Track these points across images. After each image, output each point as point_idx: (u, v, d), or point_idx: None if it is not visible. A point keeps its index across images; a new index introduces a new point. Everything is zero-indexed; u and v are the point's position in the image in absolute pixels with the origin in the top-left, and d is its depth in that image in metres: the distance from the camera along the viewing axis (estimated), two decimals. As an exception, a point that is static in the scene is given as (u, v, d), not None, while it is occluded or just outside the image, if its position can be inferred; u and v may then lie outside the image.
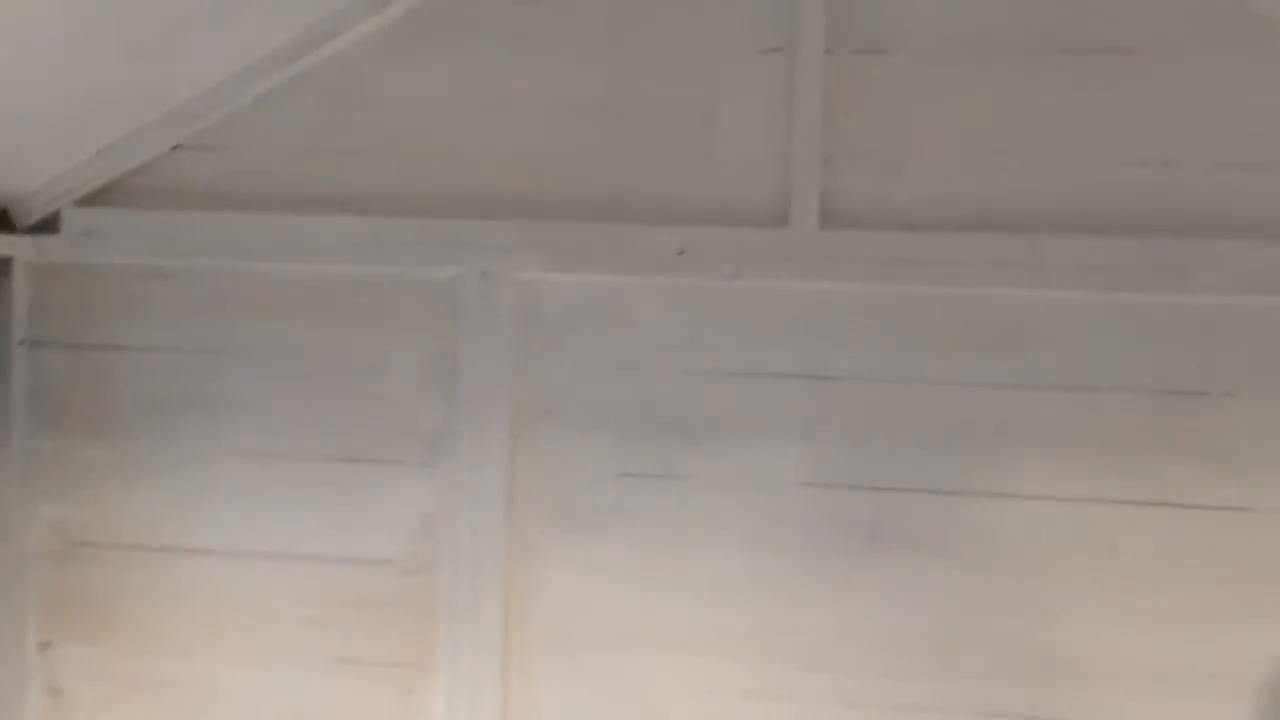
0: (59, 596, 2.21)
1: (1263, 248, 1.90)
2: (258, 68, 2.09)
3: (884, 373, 2.02)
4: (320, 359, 2.14)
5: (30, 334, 2.18)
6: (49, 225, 2.15)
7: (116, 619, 2.20)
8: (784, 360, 2.04)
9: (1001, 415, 2.00)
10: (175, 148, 2.13)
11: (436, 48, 2.11)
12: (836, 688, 2.04)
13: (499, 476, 2.10)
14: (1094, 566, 1.98)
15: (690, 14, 2.05)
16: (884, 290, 2.00)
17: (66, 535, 2.20)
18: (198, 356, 2.17)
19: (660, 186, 2.05)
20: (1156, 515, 1.97)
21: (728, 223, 2.03)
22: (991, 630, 2.00)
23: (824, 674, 2.05)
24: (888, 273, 1.98)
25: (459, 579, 2.11)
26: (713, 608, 2.08)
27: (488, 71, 2.09)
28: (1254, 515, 1.95)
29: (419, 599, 2.14)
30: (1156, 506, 1.96)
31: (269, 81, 2.09)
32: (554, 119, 2.07)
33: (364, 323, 2.13)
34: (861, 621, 2.04)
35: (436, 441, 2.12)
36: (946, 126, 1.99)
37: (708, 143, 2.04)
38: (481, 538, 2.10)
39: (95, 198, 2.15)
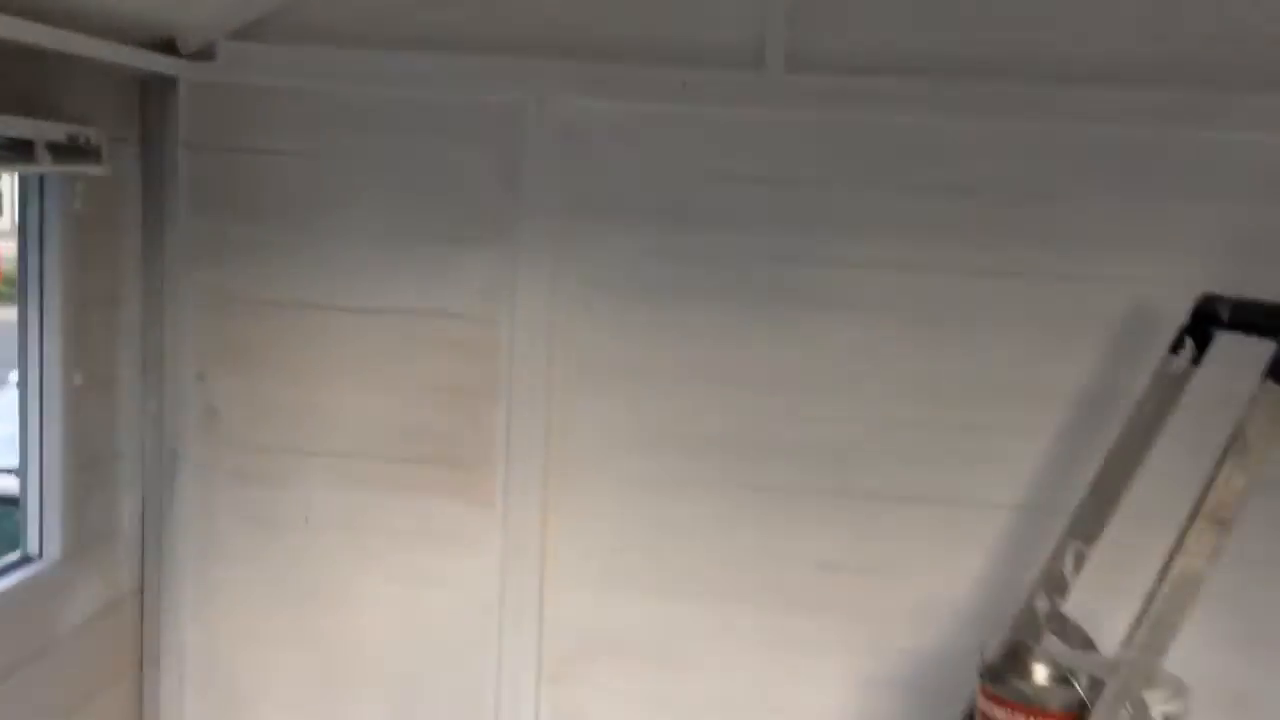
0: (214, 338, 2.91)
1: (1094, 88, 2.68)
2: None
3: (831, 178, 2.78)
4: (415, 162, 2.84)
5: (190, 139, 2.85)
6: (207, 54, 2.80)
7: (258, 356, 2.92)
8: (758, 168, 2.79)
9: (910, 210, 2.78)
10: (308, -5, 2.80)
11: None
12: (786, 405, 2.84)
13: (546, 253, 2.83)
14: (966, 317, 2.79)
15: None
16: (834, 117, 2.75)
17: (219, 293, 2.90)
18: (320, 159, 2.86)
19: (672, 36, 2.76)
20: (1011, 282, 2.78)
21: (718, 65, 2.75)
22: (892, 360, 2.81)
23: (776, 395, 2.84)
24: (837, 105, 2.73)
25: (516, 328, 2.86)
26: (699, 349, 2.85)
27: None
28: (1075, 282, 2.77)
29: (487, 344, 2.88)
30: (1012, 275, 2.77)
31: (382, -55, 2.76)
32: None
33: (447, 136, 2.83)
34: (805, 357, 2.83)
35: (500, 226, 2.84)
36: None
37: (706, 4, 2.76)
38: (533, 298, 2.85)
39: (244, 33, 2.80)
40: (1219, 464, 2.02)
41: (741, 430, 2.86)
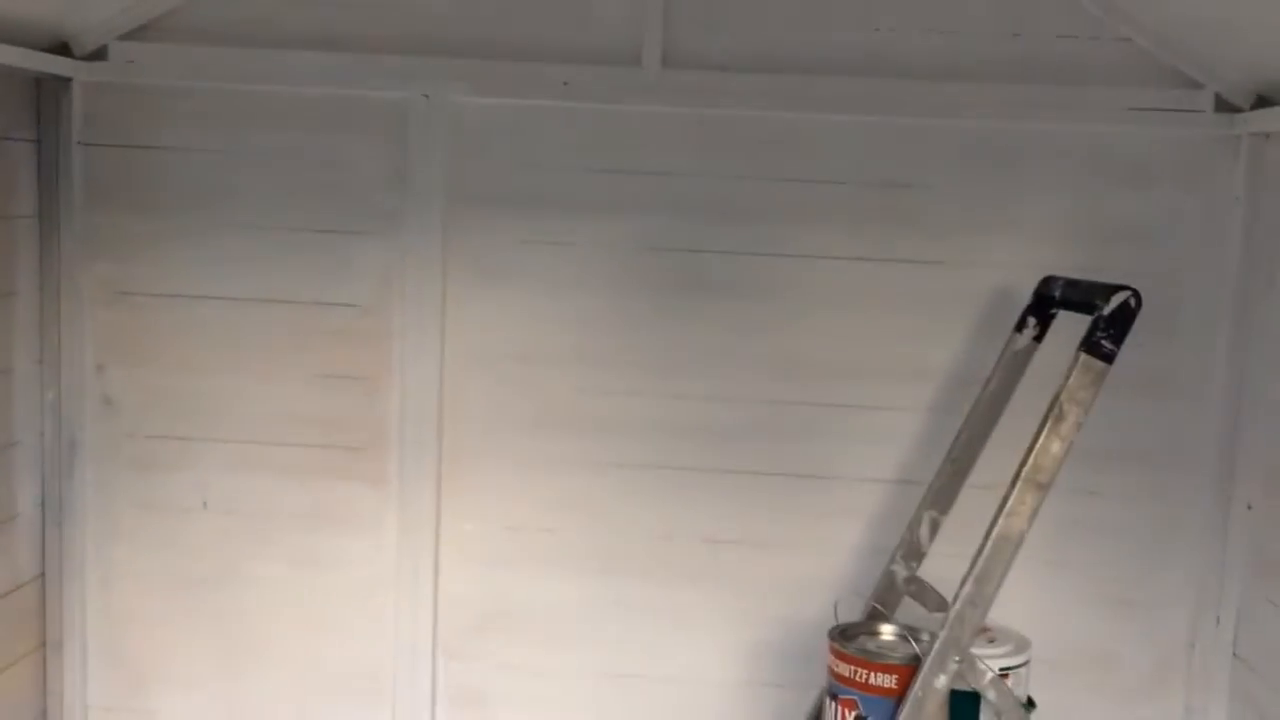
0: (110, 330, 2.99)
1: (943, 86, 2.82)
2: (258, -62, 2.85)
3: (705, 169, 2.91)
4: (305, 157, 2.93)
5: (85, 137, 2.92)
6: (100, 55, 2.88)
7: (153, 346, 2.99)
8: (637, 160, 2.92)
9: (783, 199, 2.91)
10: (195, -3, 2.89)
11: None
12: (670, 386, 2.96)
13: (436, 243, 2.93)
14: (837, 300, 2.93)
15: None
16: (707, 112, 2.87)
17: (114, 286, 2.98)
18: (212, 155, 2.94)
19: (554, 36, 2.87)
20: (880, 267, 2.92)
21: (598, 63, 2.87)
22: (770, 343, 2.95)
23: (660, 376, 2.96)
24: (709, 100, 2.85)
25: (407, 316, 2.96)
26: (586, 333, 2.97)
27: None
28: (941, 266, 2.92)
29: (378, 332, 2.98)
30: (881, 261, 2.92)
31: (268, -52, 2.86)
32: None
33: (338, 131, 2.92)
34: (688, 341, 2.95)
35: (391, 218, 2.94)
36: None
37: (586, 6, 2.87)
38: (423, 287, 2.95)
39: (135, 34, 2.88)
40: (1038, 431, 2.17)
41: (628, 411, 2.98)
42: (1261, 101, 2.76)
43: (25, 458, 2.90)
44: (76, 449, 3.00)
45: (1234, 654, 2.88)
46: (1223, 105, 2.81)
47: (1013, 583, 2.82)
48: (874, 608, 2.54)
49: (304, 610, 3.04)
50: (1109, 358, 2.16)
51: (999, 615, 2.64)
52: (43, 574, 2.99)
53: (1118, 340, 2.15)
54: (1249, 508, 2.83)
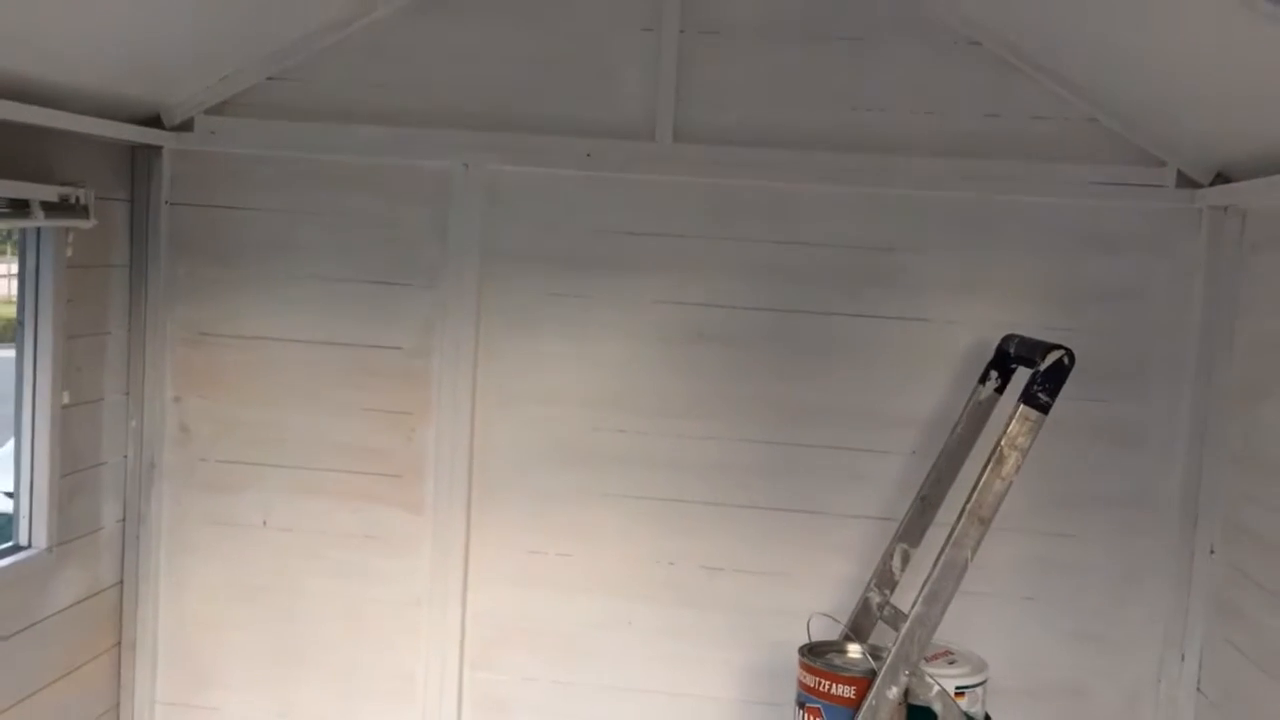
0: (187, 366, 3.41)
1: (929, 161, 3.12)
2: (324, 28, 3.26)
3: (711, 232, 3.25)
4: (358, 217, 3.33)
5: (172, 197, 3.36)
6: (186, 126, 3.33)
7: (224, 381, 3.41)
8: (650, 223, 3.27)
9: (781, 260, 3.23)
10: (270, 78, 3.31)
11: (434, 23, 3.27)
12: (676, 426, 3.29)
13: (472, 295, 3.31)
14: (825, 351, 3.23)
15: (597, 5, 3.24)
16: (713, 181, 3.22)
17: (193, 327, 3.40)
18: (280, 214, 3.36)
19: (579, 113, 3.25)
20: (866, 323, 3.22)
21: (617, 137, 3.24)
22: (767, 389, 3.26)
23: (667, 418, 3.29)
24: (715, 170, 3.20)
25: (445, 360, 3.33)
26: (601, 378, 3.31)
27: (467, 36, 3.27)
28: (926, 324, 3.21)
29: (419, 373, 3.36)
30: (867, 318, 3.22)
31: (332, 38, 3.27)
32: (513, 70, 3.27)
33: (387, 195, 3.32)
34: (693, 386, 3.28)
35: (433, 272, 3.33)
36: (752, 82, 3.21)
37: (607, 87, 3.25)
38: (459, 333, 3.32)
39: (217, 109, 3.33)
40: (981, 472, 2.45)
41: (638, 449, 3.31)
42: (1220, 178, 3.02)
43: (111, 477, 3.32)
44: (155, 470, 3.41)
45: (1198, 689, 3.09)
46: (1184, 181, 3.08)
47: (991, 616, 3.15)
48: (846, 633, 2.81)
49: (348, 620, 3.40)
50: (1045, 408, 2.43)
51: (976, 644, 2.91)
52: (121, 581, 3.39)
53: (1052, 393, 2.42)
54: (1211, 552, 3.05)
